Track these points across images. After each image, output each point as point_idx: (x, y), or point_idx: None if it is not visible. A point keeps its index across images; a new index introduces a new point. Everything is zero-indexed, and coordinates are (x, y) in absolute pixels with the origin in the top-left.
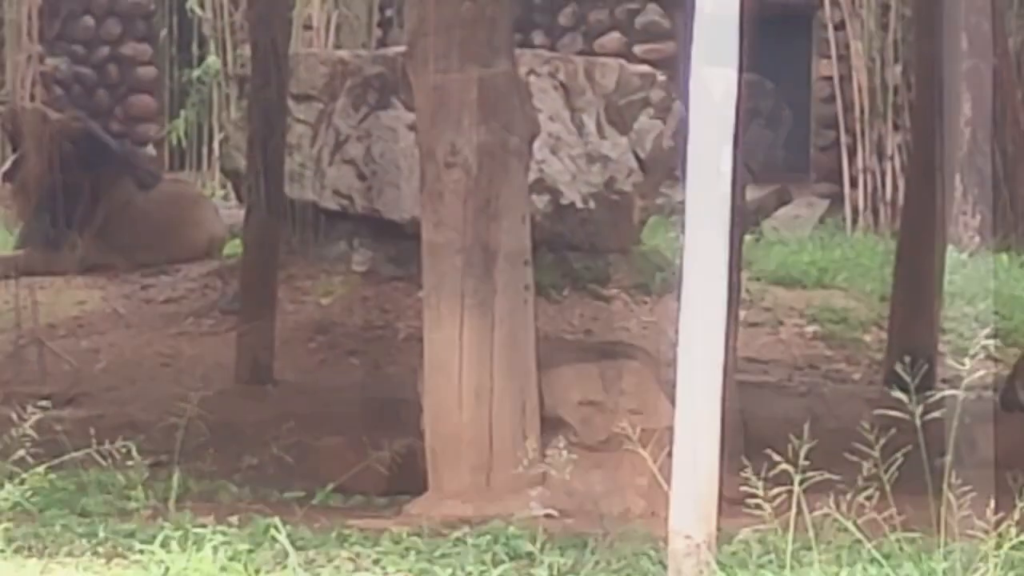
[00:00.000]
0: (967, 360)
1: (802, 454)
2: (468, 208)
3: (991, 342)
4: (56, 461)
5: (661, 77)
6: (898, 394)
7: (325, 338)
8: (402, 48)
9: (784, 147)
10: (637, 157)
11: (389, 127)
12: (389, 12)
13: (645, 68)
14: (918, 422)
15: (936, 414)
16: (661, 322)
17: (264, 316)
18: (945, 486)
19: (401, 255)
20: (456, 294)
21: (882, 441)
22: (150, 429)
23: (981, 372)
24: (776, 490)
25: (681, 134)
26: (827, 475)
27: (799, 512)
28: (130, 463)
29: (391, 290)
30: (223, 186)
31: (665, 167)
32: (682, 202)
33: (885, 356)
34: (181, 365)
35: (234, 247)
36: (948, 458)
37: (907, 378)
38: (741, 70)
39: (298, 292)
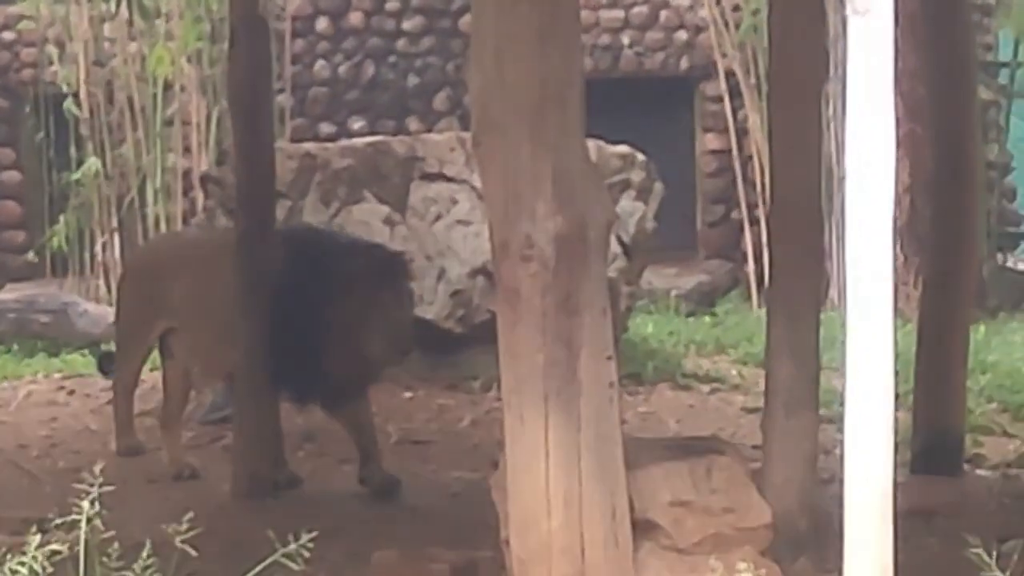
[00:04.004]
0: None
1: None
2: (547, 303)
3: None
4: None
5: (641, 157)
6: None
7: (313, 446)
8: (371, 139)
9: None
10: (620, 241)
11: (363, 221)
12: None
13: (624, 148)
14: None
15: None
16: (659, 412)
17: (263, 426)
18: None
19: None
20: (539, 395)
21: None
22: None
23: None
24: None
25: (663, 214)
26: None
27: None
28: None
29: (374, 392)
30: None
31: (649, 251)
32: (667, 289)
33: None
34: (167, 481)
35: None
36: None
37: None
38: None
39: None
